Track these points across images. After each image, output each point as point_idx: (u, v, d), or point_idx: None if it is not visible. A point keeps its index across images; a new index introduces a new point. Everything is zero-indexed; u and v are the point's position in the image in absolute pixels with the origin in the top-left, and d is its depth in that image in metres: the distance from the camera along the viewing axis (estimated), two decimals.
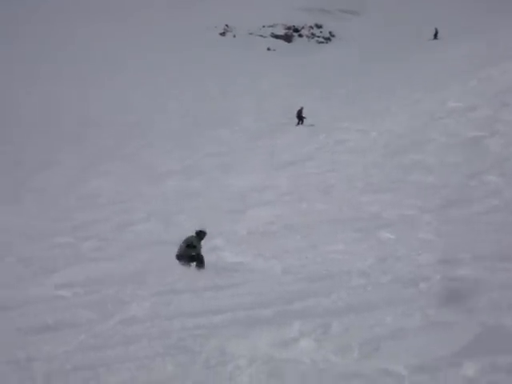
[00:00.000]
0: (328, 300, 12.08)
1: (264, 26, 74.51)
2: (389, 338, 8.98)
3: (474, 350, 7.96)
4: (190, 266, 16.11)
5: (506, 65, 42.26)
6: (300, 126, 39.42)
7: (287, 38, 73.85)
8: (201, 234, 16.57)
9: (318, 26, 77.56)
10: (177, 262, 16.31)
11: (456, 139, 28.62)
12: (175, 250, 16.72)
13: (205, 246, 17.95)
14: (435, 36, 66.85)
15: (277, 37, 73.42)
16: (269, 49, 69.09)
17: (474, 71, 42.54)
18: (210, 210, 22.51)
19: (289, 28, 75.52)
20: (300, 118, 39.96)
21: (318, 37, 76.02)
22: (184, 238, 16.46)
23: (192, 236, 16.46)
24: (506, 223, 17.35)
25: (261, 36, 72.94)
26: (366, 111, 38.78)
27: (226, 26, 73.79)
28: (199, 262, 16.16)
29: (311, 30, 76.67)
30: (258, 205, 22.47)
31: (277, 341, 9.26)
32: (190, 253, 16.16)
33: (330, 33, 76.68)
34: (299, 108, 40.30)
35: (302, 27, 76.32)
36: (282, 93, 49.15)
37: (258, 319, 10.92)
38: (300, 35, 75.56)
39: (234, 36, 72.27)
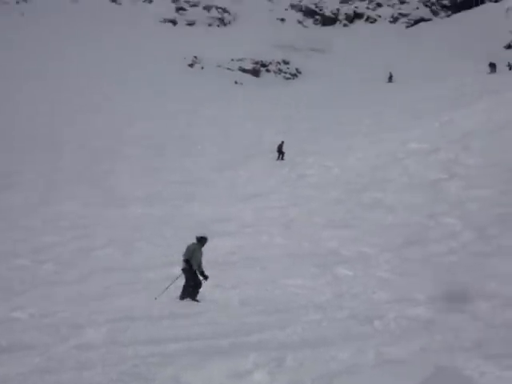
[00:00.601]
0: (284, 333, 12.17)
1: (232, 60, 75.11)
2: (342, 373, 9.08)
3: None
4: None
5: (466, 110, 43.12)
6: (280, 160, 39.30)
7: (255, 73, 74.50)
8: (202, 241, 16.20)
9: (286, 62, 78.46)
10: (136, 288, 16.33)
11: (416, 180, 29.05)
12: (132, 276, 16.73)
13: (162, 273, 17.96)
14: (390, 79, 68.35)
15: (244, 71, 73.99)
16: (236, 82, 69.57)
17: (436, 114, 43.31)
18: (170, 238, 22.53)
19: (256, 63, 76.23)
20: (280, 152, 39.89)
21: (285, 72, 76.84)
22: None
23: (193, 243, 16.08)
24: (461, 265, 17.63)
25: (229, 69, 73.46)
26: (330, 147, 39.17)
27: (195, 57, 74.15)
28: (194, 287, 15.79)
29: (278, 66, 77.51)
30: (220, 235, 22.50)
31: (231, 372, 9.31)
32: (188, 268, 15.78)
33: (296, 69, 77.56)
34: (280, 142, 40.17)
35: (270, 62, 77.12)
36: (248, 125, 49.47)
37: (214, 349, 10.95)
38: (268, 70, 76.29)
39: (202, 68, 72.64)
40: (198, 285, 15.78)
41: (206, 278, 15.80)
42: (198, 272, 15.78)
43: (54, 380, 8.98)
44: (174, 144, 43.23)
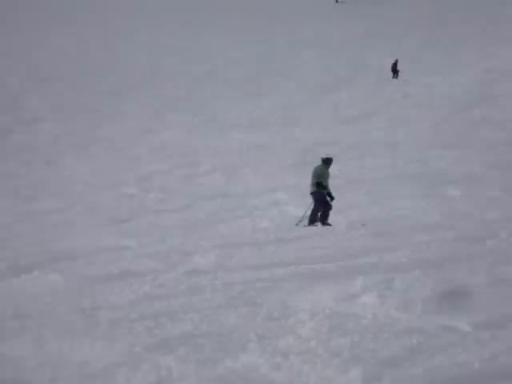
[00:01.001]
0: (391, 256, 11.96)
1: None
2: (453, 294, 8.88)
3: None
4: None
5: None
6: (395, 79, 38.43)
7: None
8: (327, 162, 15.81)
9: None
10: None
11: None
12: (236, 203, 16.84)
13: (266, 199, 17.96)
14: None
15: None
16: (337, 1, 68.04)
17: None
18: (274, 164, 22.49)
19: None
20: (395, 71, 38.99)
21: None
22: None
23: (320, 165, 15.81)
24: None
25: None
26: (435, 64, 38.05)
27: None
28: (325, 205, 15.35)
29: None
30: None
31: (339, 295, 9.23)
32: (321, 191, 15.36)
33: None
34: (394, 61, 39.34)
35: None
36: (350, 45, 48.48)
37: (321, 274, 10.88)
38: None
39: None
40: (329, 207, 15.42)
41: (332, 199, 15.47)
42: (326, 194, 15.46)
43: (164, 306, 9.11)
44: (276, 66, 42.80)
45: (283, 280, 10.61)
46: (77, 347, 6.70)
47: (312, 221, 15.16)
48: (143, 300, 9.43)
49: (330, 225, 14.83)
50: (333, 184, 19.22)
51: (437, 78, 34.76)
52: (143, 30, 56.08)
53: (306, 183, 19.06)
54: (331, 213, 15.83)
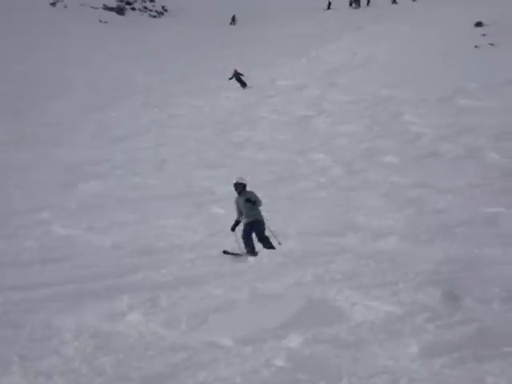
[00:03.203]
0: (158, 274, 12.18)
1: None
2: (217, 310, 9.17)
3: (298, 322, 8.28)
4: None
5: (332, 46, 43.99)
6: (241, 89, 37.51)
7: (119, 11, 72.35)
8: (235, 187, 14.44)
9: (151, 0, 76.65)
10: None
11: (285, 117, 29.43)
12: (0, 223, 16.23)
13: (31, 219, 17.45)
14: (232, 20, 66.97)
15: (109, 9, 71.74)
16: (101, 21, 67.37)
17: (302, 51, 43.93)
18: (39, 183, 21.85)
19: (121, 0, 74.04)
20: (240, 80, 37.89)
21: (151, 10, 75.09)
22: None
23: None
24: (331, 200, 18.08)
25: (92, 7, 70.95)
26: (200, 87, 38.91)
27: None
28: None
29: (144, 4, 75.61)
30: (90, 178, 22.10)
31: (105, 314, 9.24)
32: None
33: (162, 7, 75.99)
34: (233, 71, 38.17)
35: (135, 0, 75.13)
36: (117, 66, 48.22)
37: (87, 293, 10.83)
38: (133, 8, 74.29)
39: (66, 6, 69.79)
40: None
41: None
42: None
43: None
44: (41, 86, 41.48)
45: (48, 300, 10.44)
46: None
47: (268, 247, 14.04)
48: None
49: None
50: (99, 205, 19.11)
51: (201, 100, 35.57)
52: None
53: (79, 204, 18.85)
54: (96, 231, 15.64)
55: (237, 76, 37.66)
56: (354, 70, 35.74)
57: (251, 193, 14.28)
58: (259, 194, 14.37)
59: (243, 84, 37.71)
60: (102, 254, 13.96)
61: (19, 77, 42.24)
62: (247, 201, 14.00)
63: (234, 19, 66.63)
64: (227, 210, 17.50)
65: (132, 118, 33.21)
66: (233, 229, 14.29)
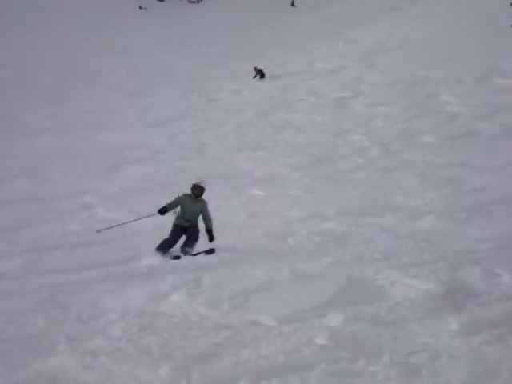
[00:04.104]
0: (200, 256, 12.38)
1: None
2: (259, 290, 9.30)
3: (339, 301, 8.38)
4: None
5: (368, 28, 43.71)
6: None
7: None
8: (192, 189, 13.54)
9: None
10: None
11: (323, 99, 29.40)
12: (46, 207, 16.59)
13: (75, 203, 17.71)
14: (292, 4, 67.19)
15: None
16: (140, 7, 67.71)
17: (339, 33, 43.74)
18: (83, 167, 22.17)
19: None
20: (262, 75, 37.14)
21: None
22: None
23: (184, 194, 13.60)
24: (369, 180, 18.12)
25: None
26: (238, 71, 38.98)
27: None
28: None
29: None
30: (132, 162, 22.34)
31: (150, 295, 9.43)
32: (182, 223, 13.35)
33: None
34: (254, 69, 37.35)
35: None
36: (156, 51, 48.47)
37: (131, 274, 11.05)
38: None
39: None
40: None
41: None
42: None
43: None
44: (82, 71, 41.83)
45: (93, 282, 10.69)
46: None
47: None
48: None
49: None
50: (141, 188, 19.32)
51: (239, 83, 35.66)
52: None
53: (122, 188, 19.13)
54: (139, 214, 15.75)
55: (259, 72, 37.50)
56: (391, 52, 35.55)
57: (205, 203, 13.42)
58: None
59: (263, 76, 37.55)
60: (145, 235, 14.17)
61: (63, 65, 42.78)
62: (205, 222, 13.30)
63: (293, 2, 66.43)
64: (267, 192, 17.66)
65: (172, 102, 33.42)
66: (162, 212, 13.31)
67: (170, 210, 13.36)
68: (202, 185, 13.47)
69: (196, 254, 12.73)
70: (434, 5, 45.63)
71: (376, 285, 9.01)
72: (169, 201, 13.43)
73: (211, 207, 13.67)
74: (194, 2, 73.87)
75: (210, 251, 12.75)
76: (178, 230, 13.26)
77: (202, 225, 13.41)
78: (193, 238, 13.24)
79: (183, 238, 13.32)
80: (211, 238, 13.22)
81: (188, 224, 13.28)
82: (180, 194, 13.52)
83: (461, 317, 7.57)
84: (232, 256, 12.07)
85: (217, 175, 20.02)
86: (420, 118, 23.79)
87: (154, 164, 22.35)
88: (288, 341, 7.44)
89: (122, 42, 50.71)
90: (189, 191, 13.52)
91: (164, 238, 13.08)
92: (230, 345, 7.52)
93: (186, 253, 12.88)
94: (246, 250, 12.53)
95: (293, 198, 16.96)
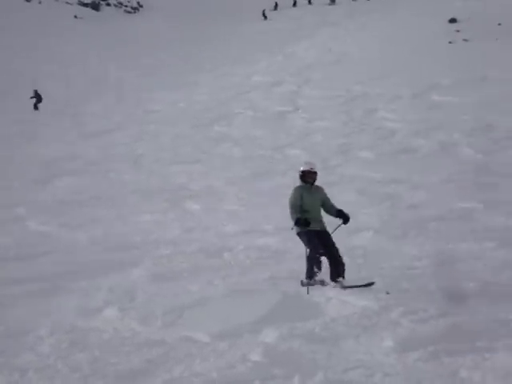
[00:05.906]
0: (134, 270, 12.16)
1: None
2: (193, 306, 9.20)
3: (274, 317, 8.35)
4: None
5: (307, 42, 44.18)
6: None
7: (95, 7, 71.92)
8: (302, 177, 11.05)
9: None
10: None
11: (261, 113, 29.44)
12: None
13: (6, 215, 17.26)
14: (263, 14, 66.17)
15: (84, 4, 71.37)
16: (76, 16, 66.99)
17: (278, 47, 44.06)
18: (14, 178, 21.68)
19: None
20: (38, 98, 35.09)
21: (126, 6, 74.80)
22: None
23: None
24: None
25: (67, 3, 70.51)
26: (175, 82, 38.84)
27: None
28: None
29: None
30: (65, 174, 21.95)
31: (81, 310, 9.25)
32: None
33: (137, 3, 75.78)
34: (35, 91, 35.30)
35: None
36: (91, 61, 47.98)
37: (63, 289, 10.80)
38: (108, 4, 73.94)
39: (40, 2, 69.18)
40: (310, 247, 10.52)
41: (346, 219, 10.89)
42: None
43: None
44: (12, 80, 41.04)
45: (24, 296, 10.40)
46: None
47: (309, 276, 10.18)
48: None
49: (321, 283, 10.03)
50: (73, 201, 18.92)
51: (176, 95, 35.48)
52: None
53: (54, 200, 18.71)
54: (71, 227, 15.50)
55: (36, 97, 34.99)
56: (329, 67, 35.90)
57: (323, 190, 11.15)
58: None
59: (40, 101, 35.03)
60: (77, 250, 13.90)
61: None
62: (330, 210, 10.97)
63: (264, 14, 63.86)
64: (203, 206, 17.51)
65: (107, 113, 33.05)
66: (307, 224, 10.36)
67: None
68: (314, 169, 11.05)
69: (357, 287, 9.71)
70: (372, 20, 46.38)
71: (312, 301, 8.99)
72: (290, 210, 10.75)
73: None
74: (130, 13, 73.53)
75: (370, 284, 9.79)
76: (315, 238, 10.45)
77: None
78: (338, 263, 10.26)
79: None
80: (346, 219, 10.72)
81: (319, 226, 10.65)
82: (291, 192, 10.98)
83: (396, 334, 7.58)
84: (166, 271, 11.91)
85: (152, 188, 19.82)
86: (358, 134, 23.99)
87: (86, 176, 21.96)
88: (222, 357, 7.37)
89: (58, 52, 50.02)
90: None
91: (309, 257, 10.29)
92: (162, 361, 7.43)
93: (343, 287, 9.79)
94: (180, 264, 12.37)
95: (229, 212, 16.84)
